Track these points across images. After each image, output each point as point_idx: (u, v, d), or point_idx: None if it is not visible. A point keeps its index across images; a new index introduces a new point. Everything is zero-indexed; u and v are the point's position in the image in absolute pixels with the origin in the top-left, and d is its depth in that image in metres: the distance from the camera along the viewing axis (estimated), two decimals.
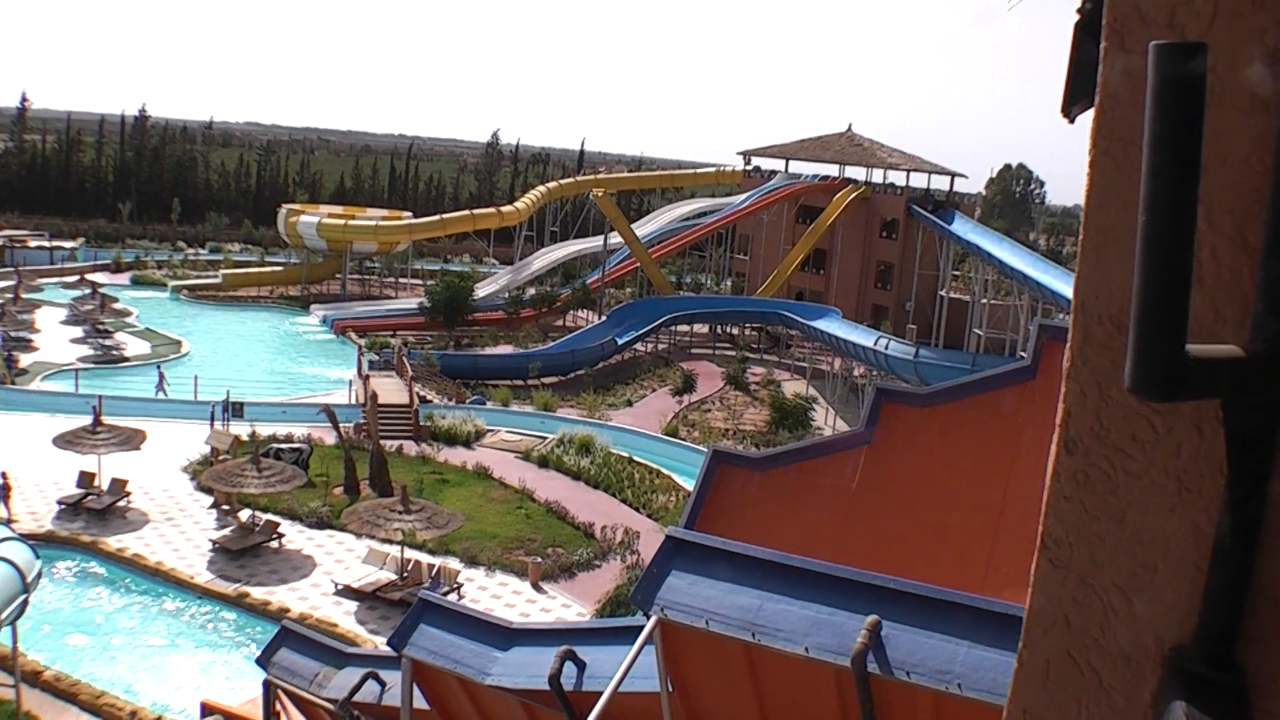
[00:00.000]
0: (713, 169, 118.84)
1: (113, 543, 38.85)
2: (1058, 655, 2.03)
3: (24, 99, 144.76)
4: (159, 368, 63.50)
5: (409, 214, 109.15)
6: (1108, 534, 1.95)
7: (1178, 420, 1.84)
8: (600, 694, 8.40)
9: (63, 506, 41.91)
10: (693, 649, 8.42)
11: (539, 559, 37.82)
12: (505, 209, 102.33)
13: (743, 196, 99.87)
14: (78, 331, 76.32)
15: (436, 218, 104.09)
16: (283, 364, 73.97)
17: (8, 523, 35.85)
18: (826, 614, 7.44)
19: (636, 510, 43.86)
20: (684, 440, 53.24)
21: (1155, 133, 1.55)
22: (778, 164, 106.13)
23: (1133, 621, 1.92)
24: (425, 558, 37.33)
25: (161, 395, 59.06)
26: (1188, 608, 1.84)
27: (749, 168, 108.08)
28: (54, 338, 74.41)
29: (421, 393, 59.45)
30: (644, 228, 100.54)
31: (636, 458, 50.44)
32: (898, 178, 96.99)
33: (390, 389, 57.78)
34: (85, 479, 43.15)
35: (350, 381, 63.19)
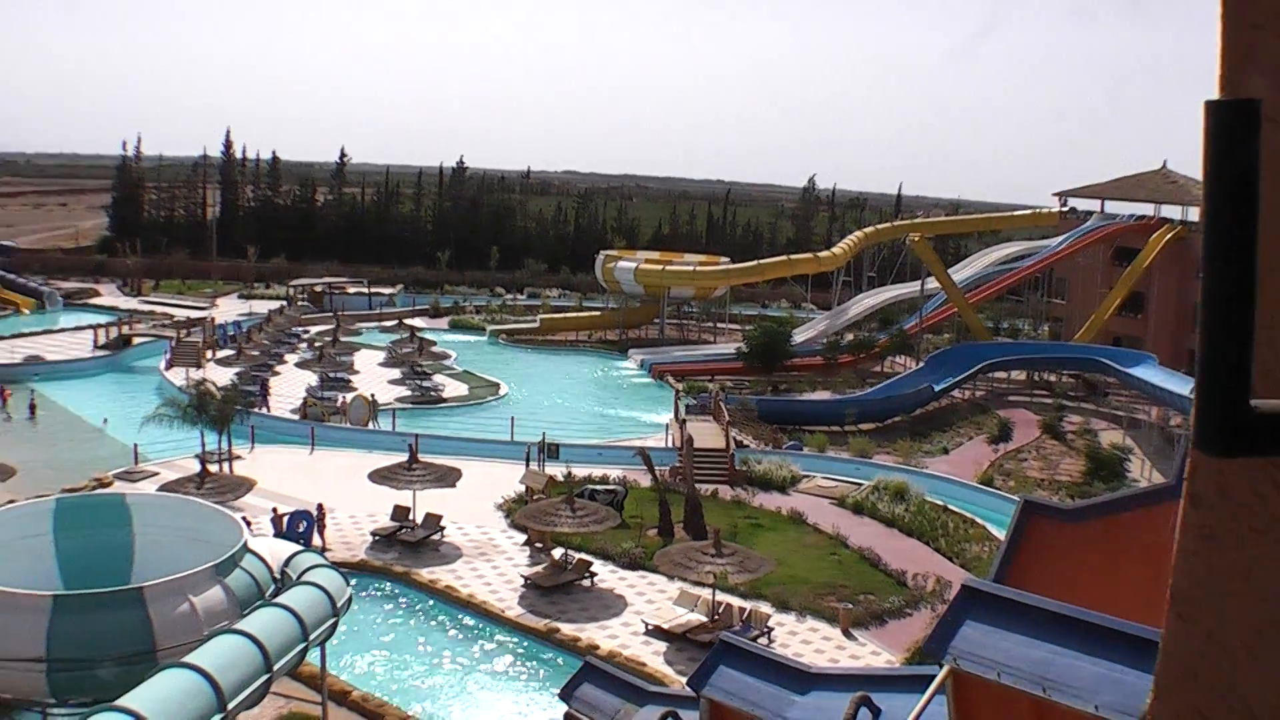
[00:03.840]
0: (1029, 211, 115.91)
1: (425, 574, 40.23)
2: (1187, 710, 2.03)
3: (343, 154, 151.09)
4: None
5: (726, 259, 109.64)
6: (1234, 590, 1.94)
7: None
8: None
9: (376, 538, 43.64)
10: (983, 700, 8.39)
11: (850, 605, 37.55)
12: (822, 254, 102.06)
13: (1058, 239, 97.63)
14: (396, 373, 79.14)
15: (753, 263, 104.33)
16: (599, 407, 75.27)
17: (321, 551, 37.38)
18: (1118, 672, 7.37)
19: (949, 559, 43.15)
20: (999, 489, 52.21)
21: (1209, 189, 1.59)
22: (1093, 204, 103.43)
23: (1260, 680, 1.91)
24: (737, 601, 37.43)
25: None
26: None
27: (1064, 209, 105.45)
28: (372, 379, 77.44)
29: (738, 437, 59.80)
30: (961, 272, 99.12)
31: (951, 506, 49.69)
32: None
33: (707, 433, 58.17)
34: (400, 513, 44.76)
35: (667, 425, 63.80)
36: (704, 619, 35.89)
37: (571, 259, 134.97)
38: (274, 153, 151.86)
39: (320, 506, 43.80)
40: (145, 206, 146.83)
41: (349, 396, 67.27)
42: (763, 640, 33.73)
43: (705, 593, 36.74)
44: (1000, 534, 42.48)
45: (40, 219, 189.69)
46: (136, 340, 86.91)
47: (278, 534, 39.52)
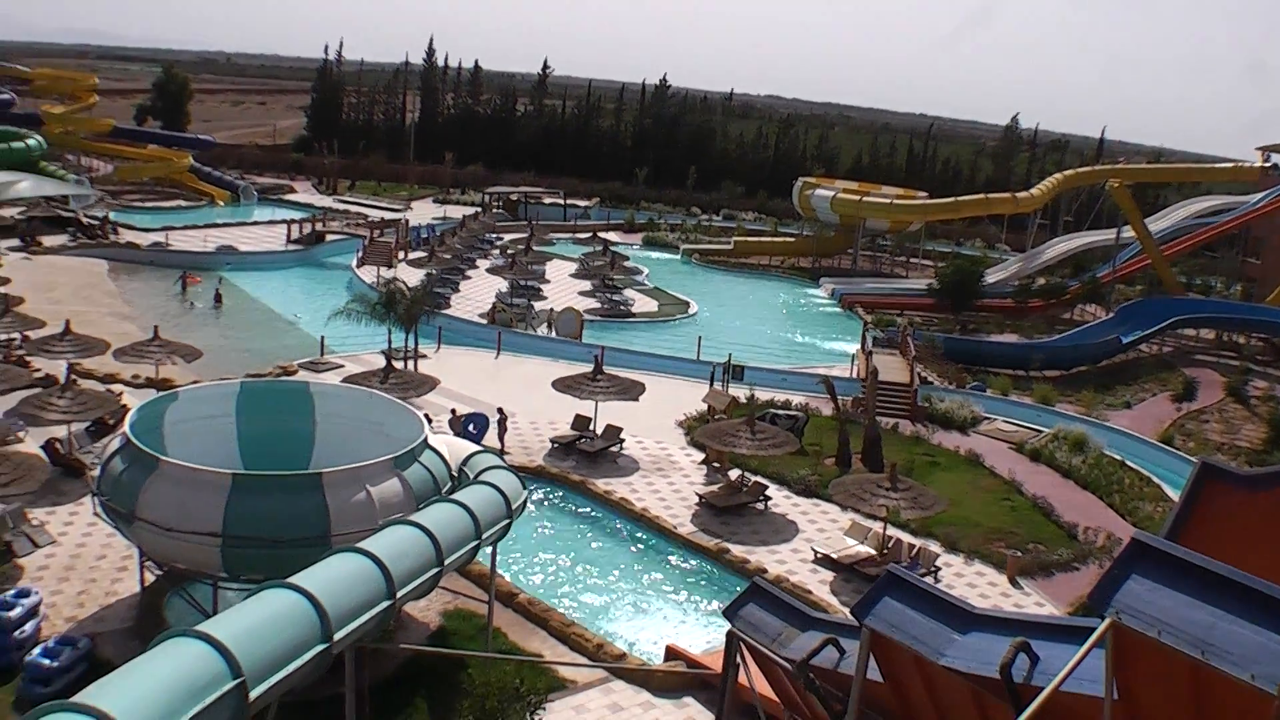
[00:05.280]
0: (1229, 165, 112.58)
1: (601, 485, 40.79)
2: None
3: (545, 65, 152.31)
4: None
5: (924, 194, 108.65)
6: None
7: None
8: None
9: (555, 445, 44.29)
10: (1141, 656, 8.44)
11: (1018, 553, 37.30)
12: (1020, 195, 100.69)
13: (1258, 196, 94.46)
14: (586, 285, 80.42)
15: (951, 200, 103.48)
16: (786, 333, 75.58)
17: (500, 453, 38.05)
18: (1278, 644, 7.36)
19: (1122, 516, 42.32)
20: (1178, 449, 51.17)
21: None
22: None
23: None
24: (906, 537, 37.43)
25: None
26: None
27: (1267, 164, 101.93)
28: (563, 289, 78.65)
29: (922, 373, 59.67)
30: (1156, 224, 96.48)
31: (1129, 462, 48.79)
32: None
33: (892, 367, 58.12)
34: (580, 422, 45.55)
35: (853, 356, 63.63)
36: (873, 552, 35.99)
37: (769, 184, 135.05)
38: (476, 62, 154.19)
39: (501, 410, 44.60)
40: (345, 109, 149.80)
41: (558, 308, 67.86)
42: (929, 579, 33.68)
43: (877, 526, 36.87)
44: (1176, 495, 41.76)
45: (238, 116, 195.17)
46: (329, 237, 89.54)
47: (455, 435, 40.31)
